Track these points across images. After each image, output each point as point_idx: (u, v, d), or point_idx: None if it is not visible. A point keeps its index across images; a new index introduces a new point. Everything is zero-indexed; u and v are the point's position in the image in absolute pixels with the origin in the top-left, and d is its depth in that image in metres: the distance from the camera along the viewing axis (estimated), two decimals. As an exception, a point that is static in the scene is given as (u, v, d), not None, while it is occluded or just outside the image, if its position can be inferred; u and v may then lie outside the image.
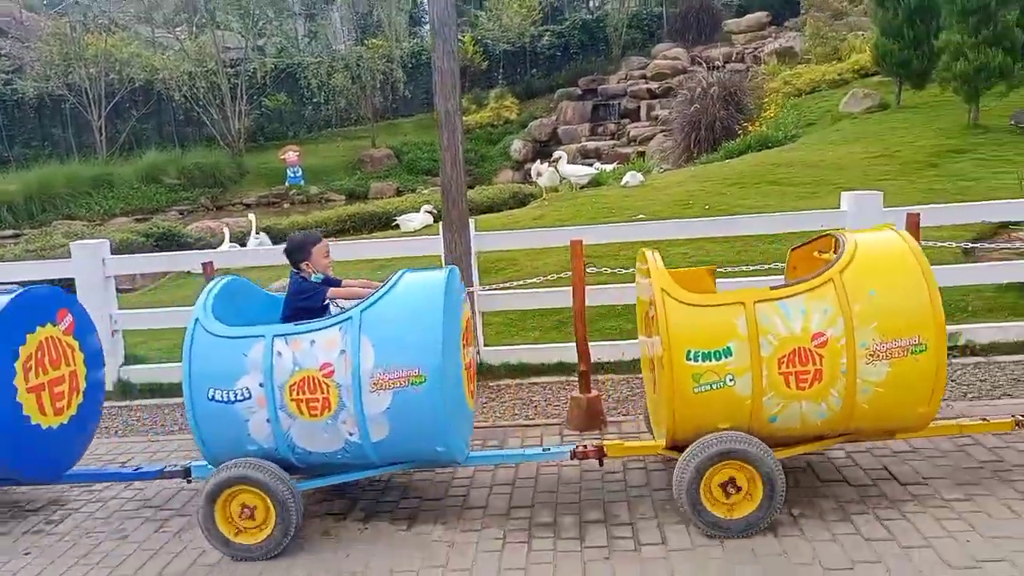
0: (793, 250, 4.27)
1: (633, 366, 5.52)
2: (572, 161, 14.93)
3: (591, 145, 22.63)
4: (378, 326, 3.48)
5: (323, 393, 3.46)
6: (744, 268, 5.76)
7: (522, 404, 5.23)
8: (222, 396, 3.51)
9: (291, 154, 21.31)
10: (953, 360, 5.18)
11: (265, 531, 3.50)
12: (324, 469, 3.73)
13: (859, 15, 20.31)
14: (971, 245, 6.24)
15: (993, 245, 6.73)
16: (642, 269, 3.88)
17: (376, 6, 26.52)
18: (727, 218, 6.93)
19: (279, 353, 3.50)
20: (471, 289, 5.45)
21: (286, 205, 20.38)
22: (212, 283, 3.86)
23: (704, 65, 21.16)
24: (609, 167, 14.71)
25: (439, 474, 4.22)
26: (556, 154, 12.88)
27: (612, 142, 22.85)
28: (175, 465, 4.08)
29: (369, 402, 3.42)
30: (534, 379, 5.62)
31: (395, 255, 6.16)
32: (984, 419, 3.87)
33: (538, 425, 4.85)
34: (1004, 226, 7.05)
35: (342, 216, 12.91)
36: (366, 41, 25.16)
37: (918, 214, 4.82)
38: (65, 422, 4.12)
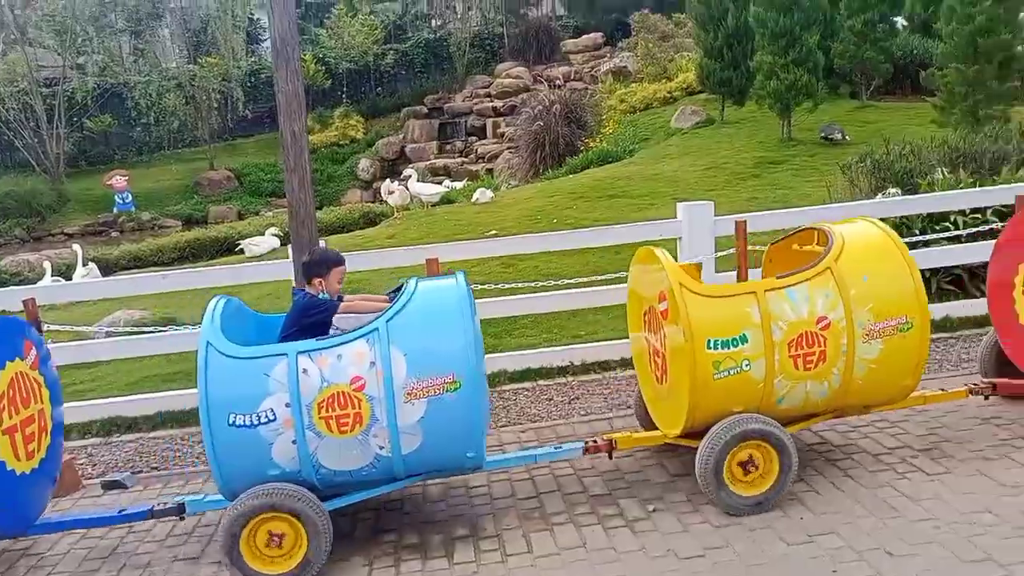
0: (772, 244, 4.53)
1: (492, 380, 5.61)
2: (422, 179, 14.96)
3: (440, 163, 22.77)
4: (406, 335, 3.42)
5: (354, 408, 3.37)
6: (596, 278, 5.99)
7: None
8: (244, 421, 3.32)
9: (117, 179, 19.93)
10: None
11: (296, 558, 3.35)
12: (343, 488, 3.56)
13: (684, 36, 21.74)
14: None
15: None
16: (647, 267, 4.00)
17: (210, 23, 25.40)
18: (577, 231, 7.20)
19: (304, 370, 3.36)
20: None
21: (115, 234, 19.00)
22: (214, 302, 3.60)
23: (546, 83, 21.91)
24: (459, 184, 14.88)
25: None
26: (406, 172, 12.88)
27: (461, 159, 23.10)
28: (166, 502, 3.70)
29: (403, 413, 3.37)
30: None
31: (242, 282, 5.90)
32: (942, 390, 4.27)
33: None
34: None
35: (180, 243, 12.24)
36: (200, 59, 24.00)
37: (745, 221, 5.21)
38: (36, 466, 3.65)
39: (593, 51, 25.38)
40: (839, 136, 12.51)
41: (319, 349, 3.42)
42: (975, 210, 6.54)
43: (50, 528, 3.76)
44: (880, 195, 7.49)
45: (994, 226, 6.13)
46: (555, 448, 3.95)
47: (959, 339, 5.76)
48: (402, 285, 3.71)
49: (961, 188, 6.85)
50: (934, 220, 6.66)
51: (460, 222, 10.34)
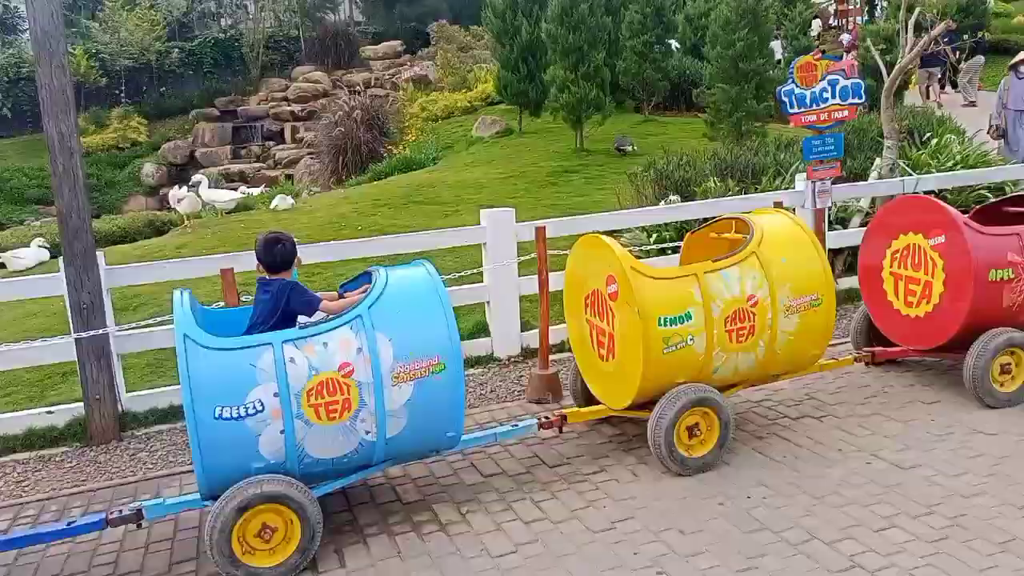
0: (691, 233, 4.99)
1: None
2: (216, 185, 14.10)
3: (235, 168, 21.65)
4: (390, 320, 3.49)
5: (343, 394, 3.38)
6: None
7: (177, 450, 4.80)
8: (231, 413, 3.24)
9: None
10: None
11: (288, 549, 3.33)
12: (320, 478, 3.54)
13: (482, 48, 22.35)
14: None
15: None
16: (591, 253, 4.27)
17: (-47, 7, 22.34)
18: (383, 237, 7.14)
19: (292, 359, 3.34)
20: (106, 330, 4.86)
21: None
22: (179, 295, 3.52)
23: (346, 89, 21.53)
24: (256, 191, 14.20)
25: (79, 542, 3.70)
26: (196, 178, 12.06)
27: (258, 165, 22.11)
28: (120, 510, 3.47)
29: (390, 397, 3.44)
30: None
31: (5, 299, 5.24)
32: (834, 359, 4.88)
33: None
34: (611, 233, 8.29)
35: (-79, 258, 10.59)
36: (-59, 48, 21.02)
37: (544, 226, 5.46)
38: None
39: (393, 58, 25.34)
40: (630, 148, 13.43)
41: (304, 337, 3.41)
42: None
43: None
44: (663, 201, 8.15)
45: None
46: (513, 426, 4.15)
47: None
48: (366, 274, 3.82)
49: (730, 195, 7.62)
50: (709, 222, 7.34)
51: (258, 230, 9.82)
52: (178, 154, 22.21)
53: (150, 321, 5.33)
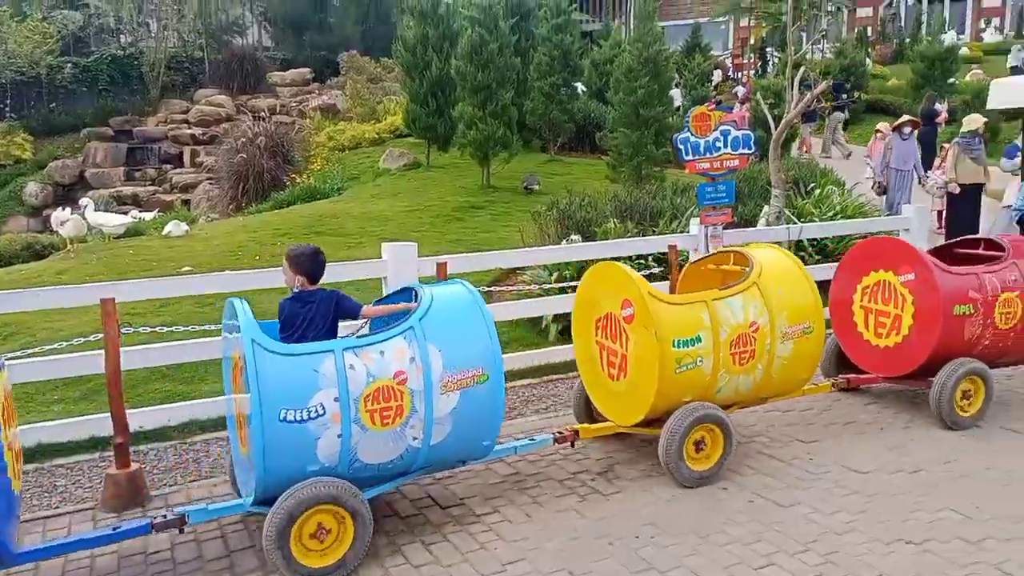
0: (690, 264, 5.51)
1: (182, 430, 5.16)
2: (106, 208, 13.44)
3: (128, 191, 20.74)
4: (439, 333, 3.71)
5: (397, 400, 3.58)
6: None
7: (43, 492, 4.47)
8: (295, 416, 3.40)
9: None
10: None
11: (340, 550, 3.47)
12: (366, 482, 3.68)
13: (392, 81, 22.34)
14: (487, 289, 7.25)
15: (505, 287, 7.94)
16: (606, 278, 4.60)
17: None
18: (276, 269, 6.94)
19: (351, 366, 3.52)
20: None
21: None
22: (239, 303, 3.60)
23: (250, 114, 21.04)
24: (149, 215, 13.61)
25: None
26: (82, 200, 11.47)
27: (153, 188, 21.25)
28: (164, 515, 3.58)
29: (439, 405, 3.65)
30: (59, 461, 4.85)
31: None
32: (815, 384, 5.23)
33: (64, 514, 4.19)
34: (513, 271, 8.37)
35: None
36: None
37: (446, 262, 5.45)
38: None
39: (301, 86, 24.99)
40: (536, 186, 13.65)
41: (363, 346, 3.60)
42: (639, 256, 7.54)
43: (36, 555, 3.38)
44: (564, 241, 8.31)
45: (653, 270, 7.12)
46: (530, 440, 4.41)
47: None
48: (402, 291, 4.19)
49: (629, 236, 7.84)
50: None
51: (148, 257, 9.45)
52: (66, 173, 21.08)
53: (18, 353, 4.98)
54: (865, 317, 5.46)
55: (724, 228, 7.21)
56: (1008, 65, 23.95)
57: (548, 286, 7.41)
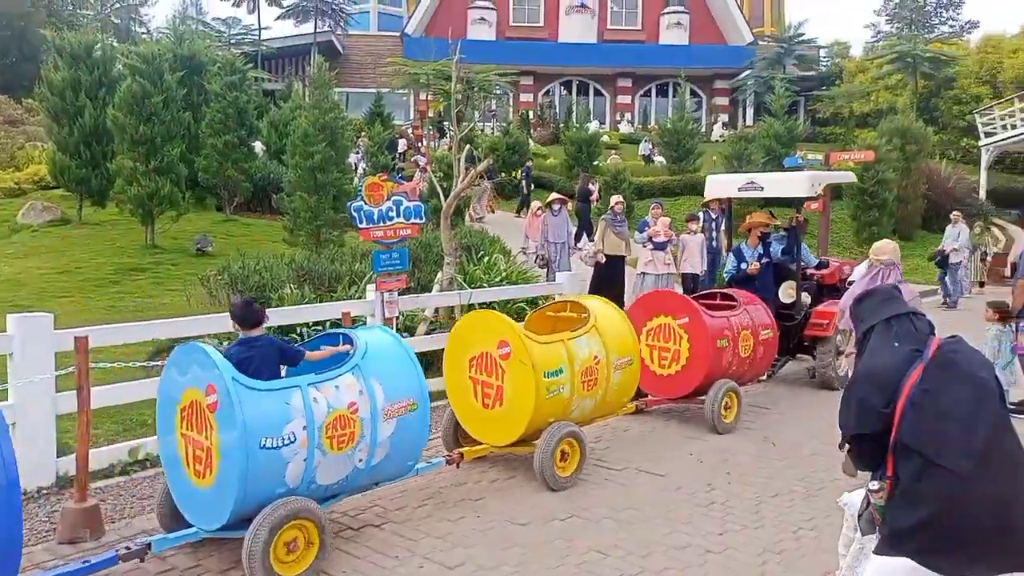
0: (533, 312, 6.61)
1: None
2: None
3: None
4: (378, 369, 4.34)
5: (351, 428, 4.14)
6: None
7: None
8: (273, 443, 3.81)
9: None
10: (134, 475, 5.32)
11: (308, 559, 3.90)
12: (317, 500, 4.09)
13: (37, 125, 19.71)
14: (147, 364, 6.55)
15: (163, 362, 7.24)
16: (479, 323, 5.57)
17: None
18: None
19: (315, 399, 4.02)
20: None
21: None
22: (212, 348, 3.93)
23: None
24: None
25: None
26: None
27: None
28: (128, 547, 3.79)
29: (381, 430, 4.26)
30: None
31: None
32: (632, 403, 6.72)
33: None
34: (176, 341, 7.68)
35: None
36: None
37: (86, 337, 4.81)
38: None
39: (-89, 122, 20.85)
40: (210, 248, 12.82)
41: (322, 381, 4.12)
42: (317, 322, 7.41)
43: None
44: (237, 308, 7.88)
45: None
46: (428, 463, 5.03)
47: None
48: (325, 336, 4.81)
49: (306, 303, 7.69)
50: (284, 331, 7.30)
51: None
52: None
53: None
54: (651, 353, 6.84)
55: (400, 294, 7.42)
56: (640, 153, 28.37)
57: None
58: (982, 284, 16.51)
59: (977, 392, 2.54)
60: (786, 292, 8.29)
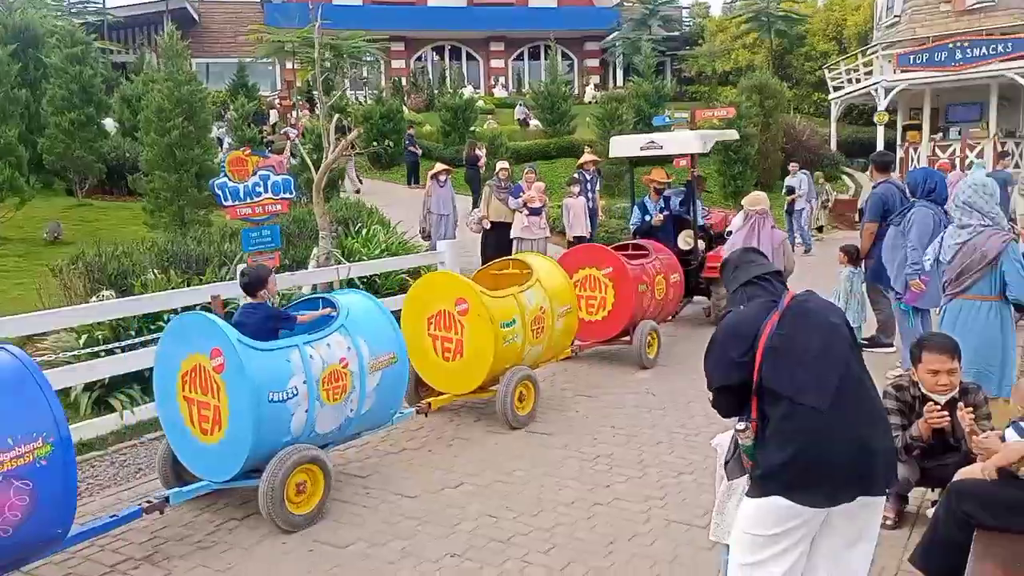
0: (477, 271, 7.04)
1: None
2: None
3: None
4: (362, 327, 4.86)
5: (343, 380, 4.63)
6: None
7: None
8: (279, 397, 4.28)
9: None
10: None
11: (315, 499, 4.40)
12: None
13: None
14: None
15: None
16: (436, 283, 6.07)
17: None
18: None
19: (311, 356, 4.48)
20: None
21: None
22: (213, 316, 4.40)
23: None
24: None
25: None
26: None
27: None
28: (150, 500, 4.16)
29: (369, 382, 4.79)
30: None
31: None
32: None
33: None
34: (29, 339, 7.11)
35: None
36: None
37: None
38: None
39: None
40: (61, 236, 11.86)
41: (315, 340, 4.59)
42: (186, 308, 7.03)
43: (78, 539, 3.81)
44: (95, 297, 7.36)
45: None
46: (401, 413, 5.40)
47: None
48: (311, 300, 5.28)
49: (172, 288, 7.26)
50: (150, 320, 6.88)
51: None
52: None
53: None
54: (579, 302, 7.20)
55: (274, 272, 7.14)
56: (515, 117, 28.42)
57: (78, 352, 6.45)
58: (820, 229, 17.54)
59: (829, 335, 2.70)
60: (684, 240, 9.16)
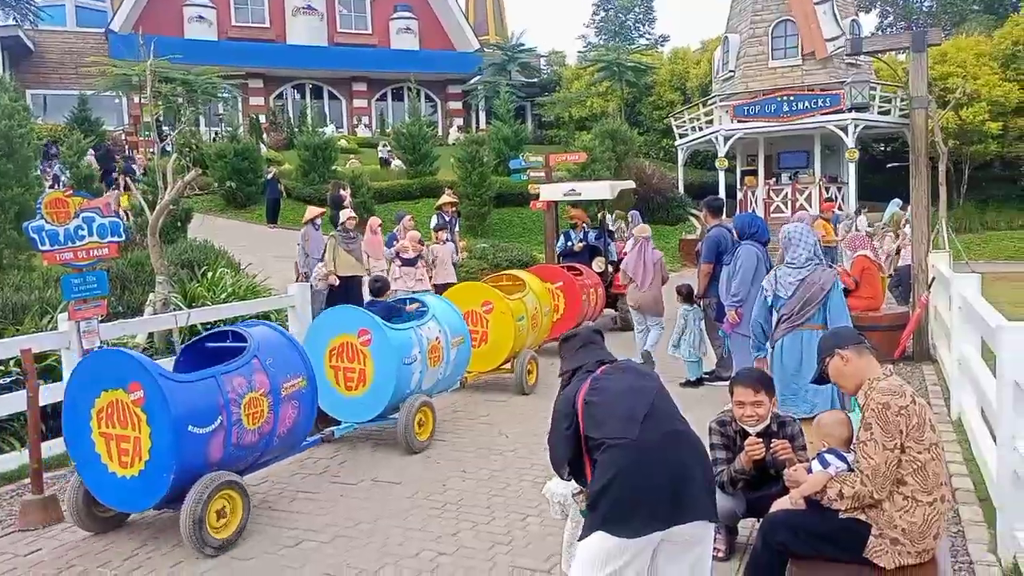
0: (486, 279, 9.63)
1: None
2: None
3: None
4: (444, 318, 7.10)
5: (439, 352, 6.70)
6: None
7: None
8: (409, 361, 6.22)
9: None
10: None
11: (427, 431, 6.41)
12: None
13: None
14: None
15: None
16: (467, 291, 8.40)
17: None
18: None
19: (421, 335, 6.49)
20: None
21: None
22: (367, 311, 6.47)
23: None
24: None
25: None
26: None
27: None
28: (325, 434, 6.01)
29: (452, 353, 6.87)
30: None
31: None
32: None
33: None
34: None
35: None
36: None
37: None
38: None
39: None
40: None
41: (421, 324, 6.60)
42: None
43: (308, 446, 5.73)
44: None
45: (19, 378, 6.10)
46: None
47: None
48: (411, 300, 7.39)
49: (-18, 340, 6.58)
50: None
51: None
52: None
53: None
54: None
55: (101, 321, 6.64)
56: (379, 156, 28.24)
57: None
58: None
59: (636, 380, 2.86)
60: (598, 264, 11.61)
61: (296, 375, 5.15)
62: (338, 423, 6.36)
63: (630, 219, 13.39)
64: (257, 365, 4.90)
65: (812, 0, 24.90)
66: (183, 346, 5.62)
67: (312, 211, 11.30)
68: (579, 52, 43.23)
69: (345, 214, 10.52)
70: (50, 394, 5.92)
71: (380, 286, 7.26)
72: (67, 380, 4.72)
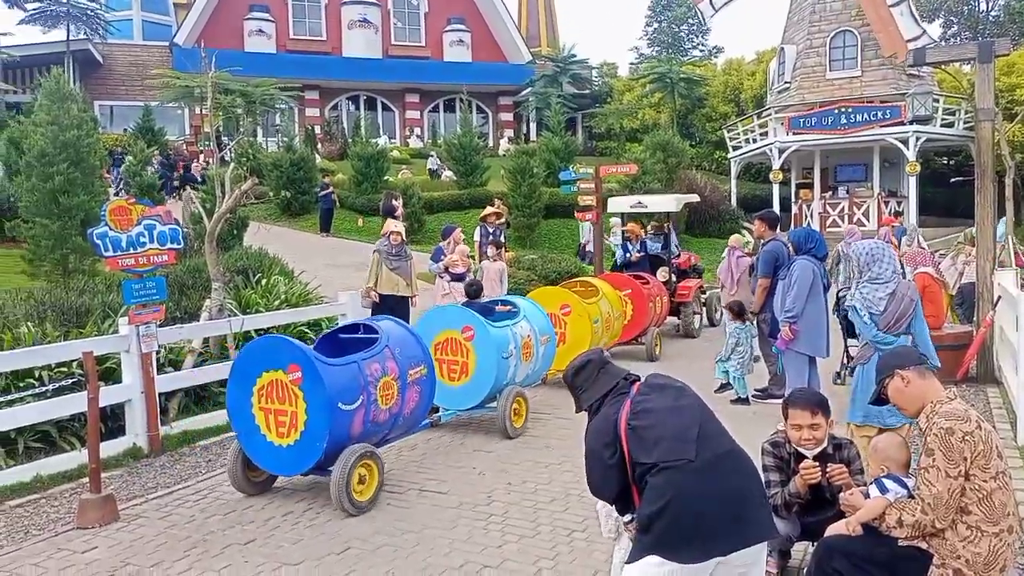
0: (561, 284, 10.27)
1: None
2: None
3: None
4: (533, 319, 7.63)
5: (531, 348, 7.33)
6: None
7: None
8: (506, 355, 6.88)
9: None
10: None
11: (522, 418, 7.09)
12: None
13: None
14: None
15: None
16: (548, 294, 9.11)
17: None
18: None
19: (516, 332, 7.14)
20: None
21: None
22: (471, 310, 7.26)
23: None
24: None
25: None
26: None
27: None
28: (432, 419, 6.72)
29: (540, 351, 7.57)
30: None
31: None
32: None
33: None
34: None
35: None
36: None
37: None
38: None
39: None
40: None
41: (515, 323, 7.20)
42: (61, 364, 6.61)
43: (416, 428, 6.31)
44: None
45: (80, 379, 6.29)
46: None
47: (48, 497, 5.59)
48: (503, 302, 7.86)
49: (48, 342, 6.82)
50: (19, 377, 6.45)
51: None
52: None
53: None
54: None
55: (160, 325, 6.83)
56: (428, 168, 28.53)
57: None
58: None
59: (676, 395, 2.78)
60: (662, 273, 11.95)
61: (419, 364, 5.78)
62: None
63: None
64: (388, 354, 5.53)
65: (887, 3, 24.21)
66: (319, 337, 6.17)
67: (391, 225, 9.66)
68: (631, 64, 43.05)
69: (391, 226, 9.58)
70: (111, 395, 6.08)
71: (476, 289, 7.84)
72: (232, 362, 5.51)
